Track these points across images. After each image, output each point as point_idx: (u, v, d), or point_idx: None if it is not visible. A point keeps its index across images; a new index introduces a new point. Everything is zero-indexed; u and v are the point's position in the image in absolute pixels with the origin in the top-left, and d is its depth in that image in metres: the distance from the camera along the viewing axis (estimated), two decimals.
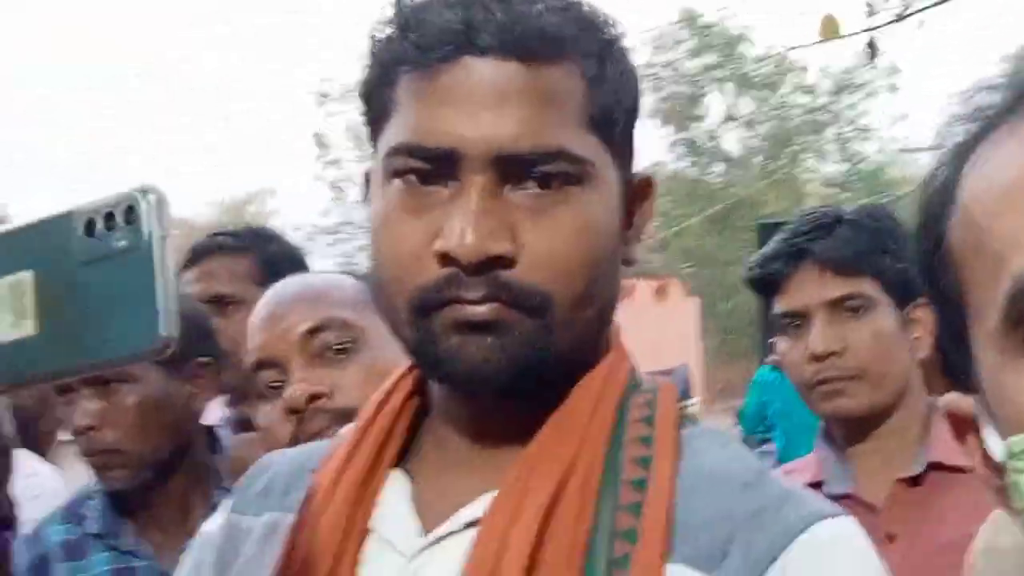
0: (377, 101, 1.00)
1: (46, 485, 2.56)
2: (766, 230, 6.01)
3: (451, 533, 0.97)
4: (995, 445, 0.74)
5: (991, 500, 0.78)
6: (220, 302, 2.56)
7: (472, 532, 0.95)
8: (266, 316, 1.63)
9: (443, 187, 0.96)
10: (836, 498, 1.89)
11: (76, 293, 0.77)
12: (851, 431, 2.01)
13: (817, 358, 1.97)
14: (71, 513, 2.08)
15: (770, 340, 2.12)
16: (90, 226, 0.77)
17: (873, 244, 1.98)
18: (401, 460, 1.05)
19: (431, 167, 0.96)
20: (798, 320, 2.01)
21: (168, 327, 0.74)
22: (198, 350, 2.07)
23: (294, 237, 3.04)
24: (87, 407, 1.99)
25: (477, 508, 0.97)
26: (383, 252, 0.98)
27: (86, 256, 0.77)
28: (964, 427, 0.78)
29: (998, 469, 0.74)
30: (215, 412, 2.34)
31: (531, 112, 0.94)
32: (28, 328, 0.78)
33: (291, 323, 1.60)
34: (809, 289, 1.99)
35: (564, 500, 0.94)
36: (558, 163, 0.95)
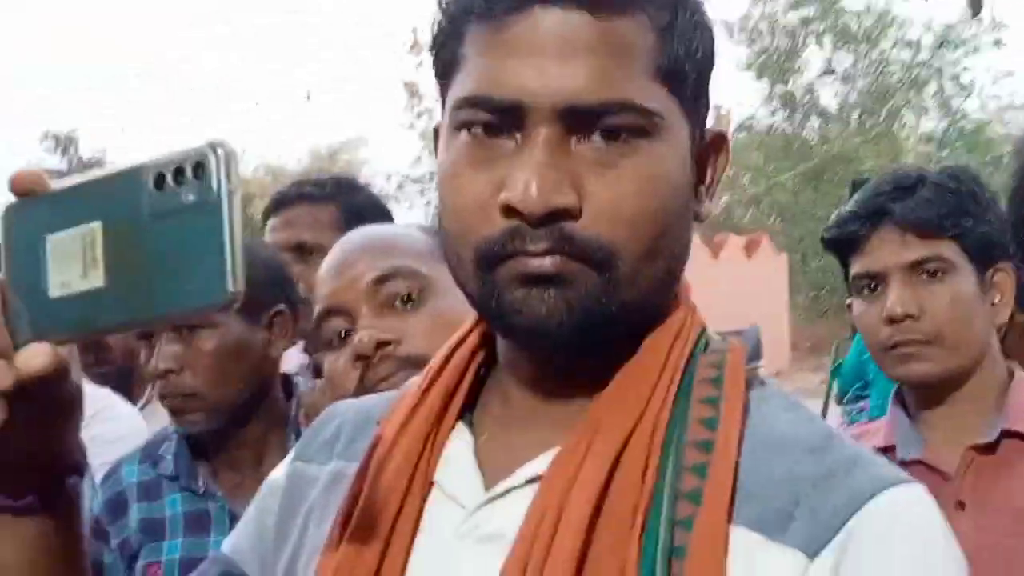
0: (445, 54, 0.99)
1: (129, 426, 2.61)
2: (861, 187, 5.89)
3: (513, 488, 0.97)
4: None
5: None
6: (302, 250, 2.59)
7: (534, 488, 0.95)
8: (334, 265, 1.64)
9: (509, 139, 0.94)
10: (907, 463, 1.87)
11: (145, 246, 0.77)
12: (925, 396, 1.97)
13: (893, 321, 1.93)
14: (148, 454, 2.12)
15: (847, 301, 2.08)
16: (160, 180, 0.77)
17: (955, 206, 1.93)
18: (466, 413, 1.04)
19: (497, 119, 0.94)
20: (875, 282, 1.97)
21: (236, 282, 0.75)
22: (276, 298, 2.09)
23: (384, 186, 3.05)
24: (167, 351, 2.02)
25: (540, 464, 0.96)
26: (449, 204, 0.97)
27: (155, 210, 0.77)
28: None
29: None
30: (294, 359, 2.36)
31: (599, 64, 0.92)
32: (97, 279, 0.79)
33: (359, 272, 1.61)
34: (887, 250, 1.95)
35: (628, 459, 0.93)
36: (625, 115, 0.93)
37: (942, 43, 26.90)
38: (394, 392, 1.13)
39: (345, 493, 1.03)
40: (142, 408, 2.76)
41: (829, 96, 28.80)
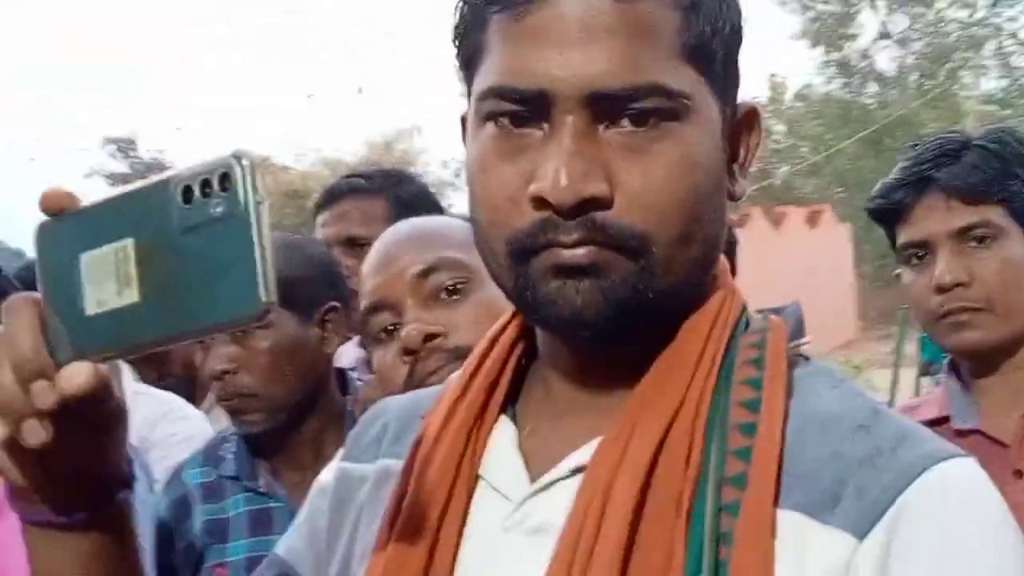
0: (468, 44, 0.98)
1: (196, 426, 2.64)
2: None
3: (558, 480, 0.96)
4: None
5: None
6: (353, 244, 2.59)
7: (579, 479, 0.94)
8: (378, 260, 1.64)
9: (536, 129, 0.93)
10: (963, 433, 1.84)
11: (176, 260, 0.78)
12: (978, 364, 1.94)
13: (942, 289, 1.89)
14: (209, 456, 2.14)
15: (895, 272, 2.05)
16: (187, 193, 0.78)
17: (1001, 169, 1.88)
18: (509, 406, 1.04)
19: (523, 109, 0.93)
20: (923, 250, 1.93)
21: (267, 292, 0.75)
22: (328, 294, 2.10)
23: (441, 173, 3.05)
24: (222, 352, 2.04)
25: (583, 454, 0.95)
26: (479, 197, 0.97)
27: (185, 223, 0.77)
28: None
29: None
30: (351, 354, 2.37)
31: (623, 47, 0.91)
32: (132, 296, 0.80)
33: (403, 265, 1.60)
34: (934, 218, 1.91)
35: (671, 446, 0.92)
36: (653, 99, 0.92)
37: (998, 0, 26.43)
38: (439, 387, 1.13)
39: (392, 490, 1.03)
40: (206, 413, 2.79)
41: (886, 60, 28.45)
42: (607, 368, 0.98)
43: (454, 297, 1.58)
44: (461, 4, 0.99)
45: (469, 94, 0.99)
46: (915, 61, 28.21)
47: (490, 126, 0.95)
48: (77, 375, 0.82)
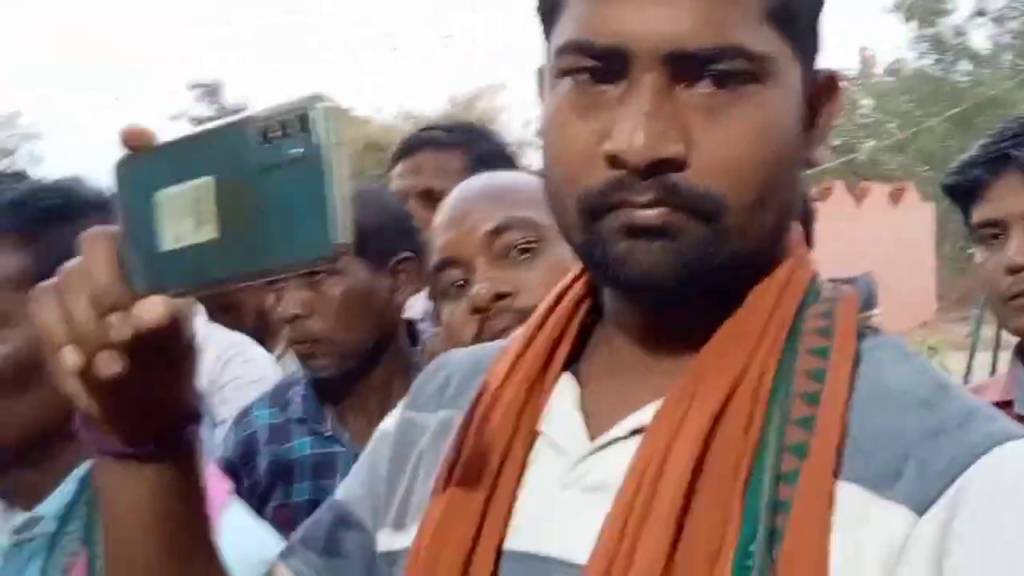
0: None
1: (265, 367, 2.68)
2: None
3: (617, 439, 0.96)
4: None
5: None
6: (429, 196, 2.59)
7: (638, 439, 0.94)
8: (450, 216, 1.64)
9: (613, 86, 0.92)
10: None
11: (254, 199, 0.78)
12: None
13: (1014, 270, 1.86)
14: (277, 398, 2.17)
15: (968, 251, 2.01)
16: (266, 134, 0.78)
17: None
18: (572, 364, 1.04)
19: (601, 65, 0.92)
20: (997, 230, 1.90)
21: (341, 234, 0.75)
22: (402, 245, 2.11)
23: (522, 133, 3.04)
24: (295, 296, 2.06)
25: (644, 415, 0.95)
26: (552, 153, 0.96)
27: (263, 163, 0.78)
28: None
29: None
30: (419, 305, 2.38)
31: (706, 7, 0.90)
32: (210, 232, 0.80)
33: (475, 222, 1.60)
34: (1010, 198, 1.87)
35: (732, 411, 0.92)
36: (734, 61, 0.90)
37: None
38: (503, 341, 1.13)
39: (451, 443, 1.04)
40: (277, 359, 2.83)
41: (980, 38, 27.94)
42: (672, 330, 0.98)
43: (524, 256, 1.58)
44: None
45: (547, 48, 0.99)
46: (1011, 40, 27.62)
47: (567, 81, 0.94)
48: (152, 308, 0.83)
